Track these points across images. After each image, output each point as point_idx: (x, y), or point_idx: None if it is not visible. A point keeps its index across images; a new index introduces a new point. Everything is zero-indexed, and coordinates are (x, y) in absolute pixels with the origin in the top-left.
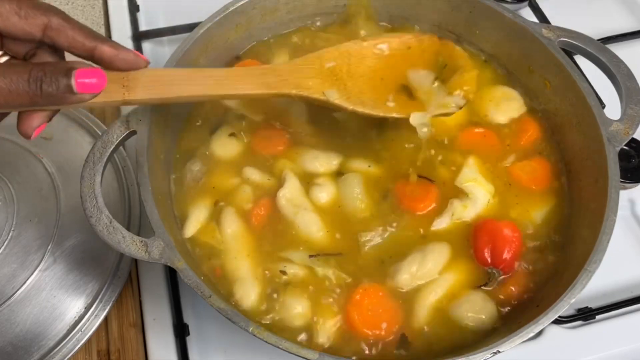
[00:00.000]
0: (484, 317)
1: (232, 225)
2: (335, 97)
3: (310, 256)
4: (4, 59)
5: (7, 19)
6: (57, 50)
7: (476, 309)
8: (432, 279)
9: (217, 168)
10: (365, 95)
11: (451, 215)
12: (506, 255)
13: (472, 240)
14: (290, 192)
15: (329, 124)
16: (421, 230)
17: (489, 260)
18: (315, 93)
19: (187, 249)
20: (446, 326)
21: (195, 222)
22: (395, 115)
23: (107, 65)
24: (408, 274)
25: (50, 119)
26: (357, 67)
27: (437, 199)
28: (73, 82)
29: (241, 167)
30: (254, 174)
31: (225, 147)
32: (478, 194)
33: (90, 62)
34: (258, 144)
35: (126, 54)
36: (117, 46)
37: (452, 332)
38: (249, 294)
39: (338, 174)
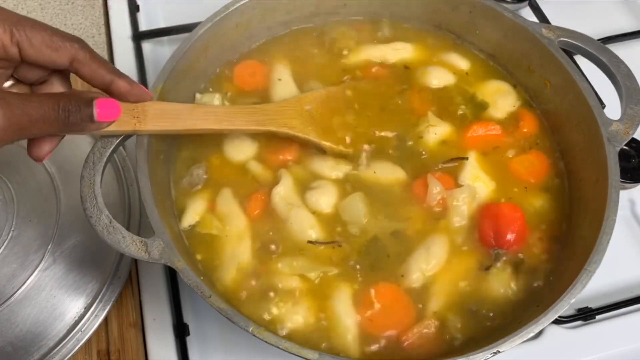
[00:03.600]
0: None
1: (231, 211)
2: (313, 136)
3: (309, 242)
4: (9, 83)
5: (39, 51)
6: (66, 78)
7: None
8: (440, 269)
9: (223, 169)
10: (334, 135)
11: (455, 209)
12: (510, 235)
13: (476, 226)
14: (284, 190)
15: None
16: (424, 224)
17: (493, 241)
18: (299, 132)
19: (186, 247)
20: (461, 313)
21: (193, 213)
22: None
23: (120, 97)
24: (419, 271)
25: (58, 144)
26: (327, 110)
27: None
28: (95, 111)
29: (247, 166)
30: (257, 168)
31: (237, 149)
32: (480, 190)
33: (106, 94)
34: (270, 150)
35: (138, 89)
36: (131, 82)
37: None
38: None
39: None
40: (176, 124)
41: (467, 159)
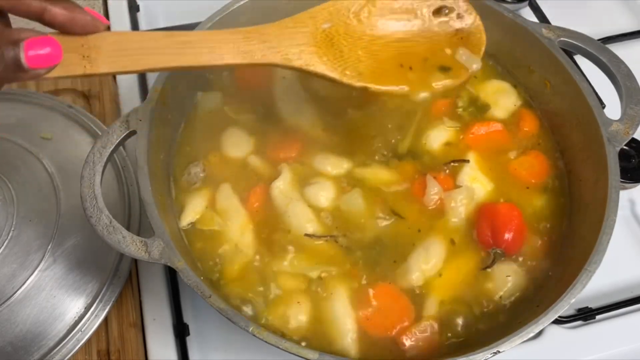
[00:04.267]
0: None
1: (231, 206)
2: (329, 69)
3: (306, 235)
4: None
5: None
6: (3, 21)
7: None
8: (438, 270)
9: (222, 167)
10: (362, 65)
11: (454, 210)
12: (507, 234)
13: (475, 226)
14: (284, 184)
15: (345, 132)
16: (423, 224)
17: (491, 241)
18: (307, 65)
19: (186, 247)
20: (460, 313)
21: (193, 211)
22: (397, 89)
23: (60, 30)
24: (419, 271)
25: None
26: (356, 27)
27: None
28: (22, 55)
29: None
30: (257, 163)
31: (236, 145)
32: (478, 191)
33: (39, 31)
34: (269, 148)
35: (82, 16)
36: (70, 7)
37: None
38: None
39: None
40: (138, 62)
41: (468, 161)
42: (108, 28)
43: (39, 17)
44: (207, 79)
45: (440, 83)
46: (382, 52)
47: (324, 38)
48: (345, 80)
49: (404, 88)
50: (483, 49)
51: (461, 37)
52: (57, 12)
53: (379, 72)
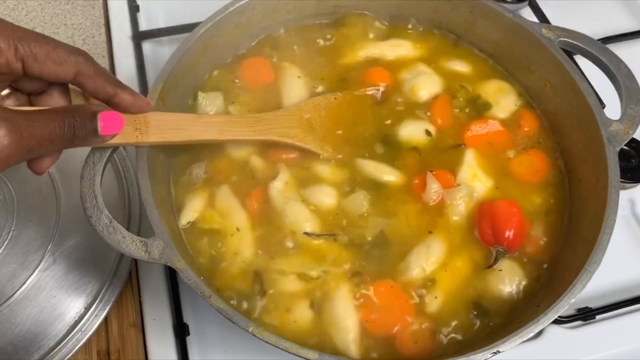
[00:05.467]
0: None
1: (231, 206)
2: (312, 146)
3: (305, 233)
4: (6, 91)
5: (43, 65)
6: (66, 89)
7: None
8: (440, 268)
9: (223, 166)
10: (336, 143)
11: (454, 208)
12: (508, 231)
13: (476, 224)
14: (282, 184)
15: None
16: (423, 223)
17: (493, 239)
18: (299, 142)
19: (186, 246)
20: (461, 313)
21: (192, 210)
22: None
23: (123, 109)
24: (419, 269)
25: (59, 157)
26: (327, 118)
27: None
28: (99, 125)
29: (248, 161)
30: (258, 163)
31: (238, 146)
32: (478, 189)
33: (108, 107)
34: (271, 148)
35: (141, 101)
36: (134, 94)
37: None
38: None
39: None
40: (178, 135)
41: (463, 145)
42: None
43: (110, 100)
44: (208, 79)
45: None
46: (348, 135)
47: (306, 125)
48: (325, 154)
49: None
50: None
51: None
52: (125, 97)
53: (340, 147)
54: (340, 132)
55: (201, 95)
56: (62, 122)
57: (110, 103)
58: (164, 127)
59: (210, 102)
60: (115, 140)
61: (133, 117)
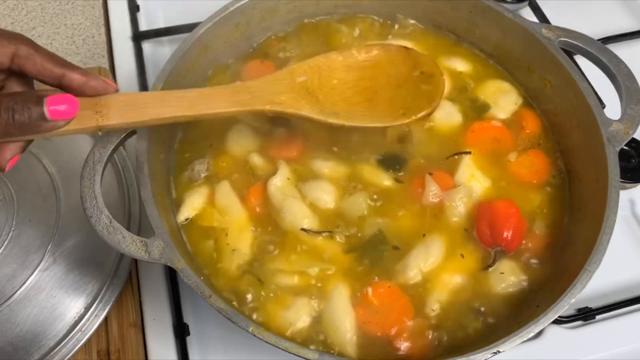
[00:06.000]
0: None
1: (230, 203)
2: (307, 111)
3: (302, 229)
4: None
5: None
6: (26, 82)
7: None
8: (439, 268)
9: (224, 164)
10: (338, 107)
11: (453, 209)
12: (507, 231)
13: (474, 225)
14: (281, 182)
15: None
16: (422, 224)
17: (491, 239)
18: (289, 108)
19: (186, 246)
20: (461, 312)
21: (191, 207)
22: (369, 125)
23: (76, 92)
24: (418, 269)
25: (23, 150)
26: (327, 80)
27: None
28: (45, 109)
29: (248, 159)
30: (258, 161)
31: (239, 143)
32: (477, 190)
33: (59, 90)
34: (272, 147)
35: (95, 81)
36: (85, 73)
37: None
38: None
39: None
40: (145, 114)
41: (469, 152)
42: (116, 91)
43: (59, 82)
44: (208, 79)
45: (398, 122)
46: (353, 97)
47: (300, 88)
48: (322, 118)
49: (374, 125)
50: (443, 90)
51: (422, 72)
52: (74, 77)
53: (353, 112)
54: (344, 95)
55: None
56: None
57: (60, 86)
58: (128, 108)
59: None
60: (73, 126)
61: (93, 101)
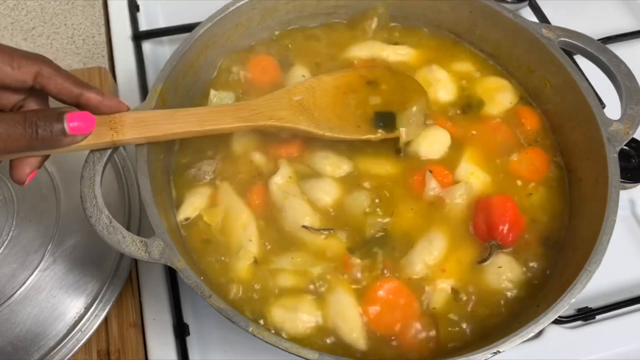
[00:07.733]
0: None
1: (232, 202)
2: (305, 125)
3: (303, 226)
4: None
5: (1, 71)
6: (43, 100)
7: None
8: (441, 265)
9: (227, 164)
10: (332, 122)
11: (452, 205)
12: (502, 225)
13: (472, 220)
14: (282, 180)
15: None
16: (422, 220)
17: (487, 233)
18: (288, 122)
19: (186, 246)
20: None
21: (191, 206)
22: (362, 137)
23: (92, 110)
24: (421, 263)
25: (40, 166)
26: (321, 99)
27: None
28: (66, 125)
29: (250, 158)
30: (260, 159)
31: (241, 142)
32: (476, 186)
33: (75, 108)
34: (273, 145)
35: (110, 100)
36: (101, 93)
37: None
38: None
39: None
40: (156, 130)
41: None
42: (128, 109)
43: (77, 100)
44: (208, 79)
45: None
46: (345, 113)
47: (297, 106)
48: (319, 132)
49: (365, 137)
50: (425, 106)
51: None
52: (91, 96)
53: (346, 127)
54: (336, 112)
55: (213, 92)
56: (23, 119)
57: (78, 105)
58: (140, 124)
59: (223, 98)
60: (90, 141)
61: (108, 118)
